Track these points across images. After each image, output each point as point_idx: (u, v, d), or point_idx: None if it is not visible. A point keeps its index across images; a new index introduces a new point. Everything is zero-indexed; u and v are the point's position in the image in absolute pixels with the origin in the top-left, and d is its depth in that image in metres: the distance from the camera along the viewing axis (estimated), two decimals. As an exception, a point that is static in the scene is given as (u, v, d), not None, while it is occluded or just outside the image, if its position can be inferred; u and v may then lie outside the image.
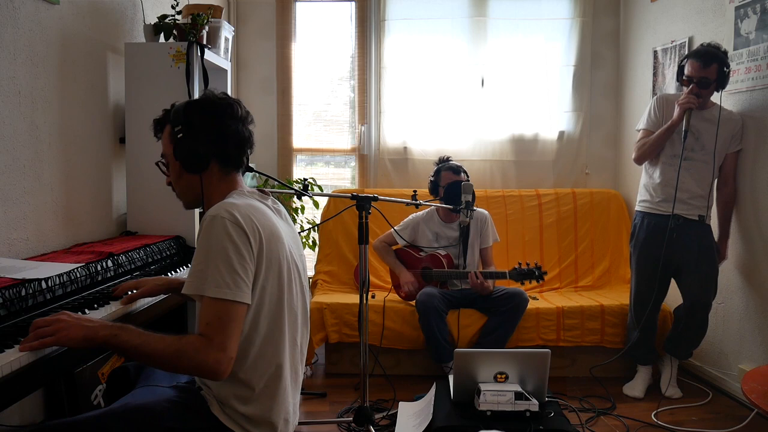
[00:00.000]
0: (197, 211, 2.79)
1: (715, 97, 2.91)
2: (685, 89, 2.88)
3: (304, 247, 3.96)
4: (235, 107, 1.60)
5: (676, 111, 2.87)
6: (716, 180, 3.00)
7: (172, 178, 1.63)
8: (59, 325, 1.38)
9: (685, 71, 2.88)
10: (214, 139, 1.55)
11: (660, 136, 2.93)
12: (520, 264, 3.17)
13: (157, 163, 1.66)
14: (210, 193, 1.58)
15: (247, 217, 1.43)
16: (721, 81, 2.82)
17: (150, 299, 1.99)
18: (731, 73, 3.00)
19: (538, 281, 3.17)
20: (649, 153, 3.00)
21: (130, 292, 1.87)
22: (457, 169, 3.33)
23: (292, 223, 1.72)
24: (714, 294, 2.94)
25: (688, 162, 2.89)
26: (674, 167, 2.91)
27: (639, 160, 3.08)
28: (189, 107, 1.58)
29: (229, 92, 3.21)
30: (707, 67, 2.80)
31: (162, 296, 2.02)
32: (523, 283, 3.21)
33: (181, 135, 1.54)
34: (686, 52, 3.23)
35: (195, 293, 1.39)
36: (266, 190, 1.69)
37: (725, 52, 2.85)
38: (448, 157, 3.48)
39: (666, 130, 2.91)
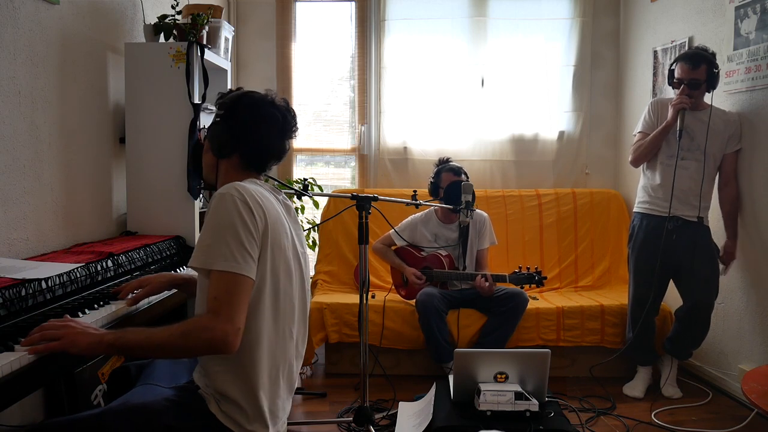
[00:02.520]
0: (197, 211, 2.79)
1: (708, 98, 2.94)
2: (677, 91, 2.91)
3: (304, 247, 3.96)
4: (284, 120, 1.63)
5: (670, 112, 2.90)
6: (717, 181, 3.00)
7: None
8: (66, 331, 1.40)
9: (675, 74, 2.93)
10: (242, 137, 1.60)
11: (655, 137, 2.96)
12: (520, 268, 3.17)
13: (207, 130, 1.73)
14: (226, 180, 1.61)
15: (254, 199, 1.47)
16: (711, 81, 2.87)
17: (152, 298, 1.98)
18: (731, 72, 3.01)
19: (538, 286, 3.17)
20: (645, 155, 3.02)
21: (133, 293, 1.87)
22: (458, 171, 3.30)
23: (298, 221, 1.73)
24: (716, 294, 2.94)
25: (685, 162, 2.91)
26: (672, 168, 2.92)
27: (635, 162, 3.10)
28: (239, 101, 1.63)
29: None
30: (696, 68, 2.85)
31: (165, 294, 2.03)
32: (522, 286, 3.22)
33: (218, 119, 1.62)
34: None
35: (202, 266, 1.41)
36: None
37: (713, 54, 2.90)
38: (448, 158, 3.45)
39: (661, 131, 2.94)
